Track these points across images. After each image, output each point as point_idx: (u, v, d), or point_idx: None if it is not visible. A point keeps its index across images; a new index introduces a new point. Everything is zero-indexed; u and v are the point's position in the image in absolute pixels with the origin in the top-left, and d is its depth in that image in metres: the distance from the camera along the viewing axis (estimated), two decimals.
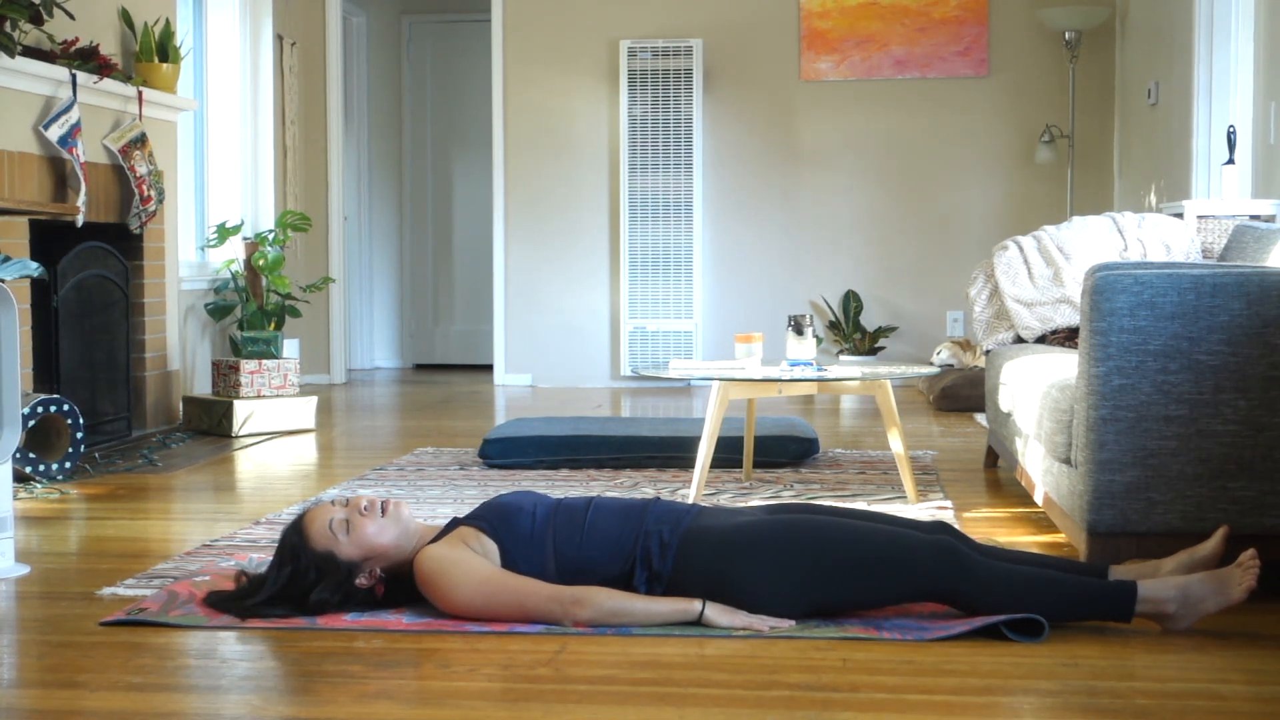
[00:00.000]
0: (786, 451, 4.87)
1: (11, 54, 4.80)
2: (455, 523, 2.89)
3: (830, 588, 2.72)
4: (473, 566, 2.76)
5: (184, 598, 2.96)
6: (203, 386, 6.65)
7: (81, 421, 4.76)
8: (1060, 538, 3.61)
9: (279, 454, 5.41)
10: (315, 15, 8.24)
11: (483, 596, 2.73)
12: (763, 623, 2.69)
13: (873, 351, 7.80)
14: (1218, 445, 2.91)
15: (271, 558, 2.90)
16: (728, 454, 4.77)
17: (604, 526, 2.83)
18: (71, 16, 5.31)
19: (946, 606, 2.78)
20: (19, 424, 3.35)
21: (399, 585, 2.88)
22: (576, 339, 8.17)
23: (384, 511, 2.84)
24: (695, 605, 2.71)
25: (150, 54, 5.96)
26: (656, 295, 7.97)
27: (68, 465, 4.72)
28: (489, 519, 2.86)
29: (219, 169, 7.30)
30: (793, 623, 2.70)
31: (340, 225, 8.36)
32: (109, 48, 5.74)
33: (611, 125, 8.08)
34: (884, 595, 2.73)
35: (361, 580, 2.83)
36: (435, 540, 2.86)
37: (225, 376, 6.05)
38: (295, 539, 2.83)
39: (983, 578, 2.67)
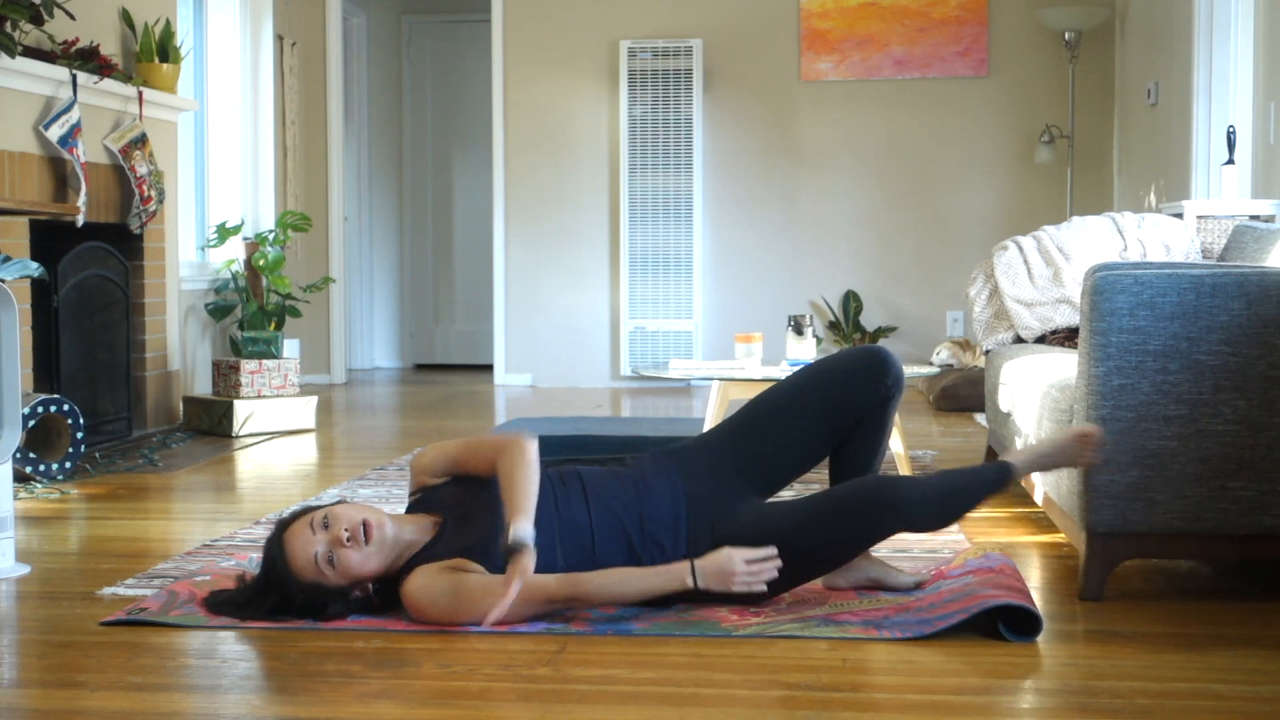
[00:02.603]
0: None
1: (12, 54, 4.80)
2: None
3: (809, 574, 2.87)
4: (463, 589, 2.72)
5: (184, 598, 2.96)
6: (203, 386, 6.65)
7: (82, 421, 4.76)
8: (1060, 537, 3.62)
9: (279, 454, 5.41)
10: (315, 15, 8.24)
11: (480, 612, 2.71)
12: (755, 578, 2.70)
13: None
14: (1217, 445, 2.91)
15: (259, 572, 2.86)
16: None
17: (611, 550, 2.83)
18: (72, 17, 5.31)
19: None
20: (19, 424, 3.35)
21: (393, 591, 2.85)
22: (576, 339, 8.17)
23: (367, 538, 2.75)
24: (686, 577, 2.72)
25: (150, 54, 5.96)
26: (656, 295, 7.97)
27: (68, 465, 4.72)
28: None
29: (219, 169, 7.30)
30: (764, 589, 2.73)
31: (340, 225, 8.37)
32: (109, 48, 5.74)
33: (611, 125, 8.08)
34: (852, 555, 2.87)
35: (356, 594, 2.82)
36: (428, 550, 2.83)
37: (225, 376, 6.05)
38: (281, 567, 2.76)
39: (911, 502, 2.78)
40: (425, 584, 2.73)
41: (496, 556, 2.73)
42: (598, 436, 4.95)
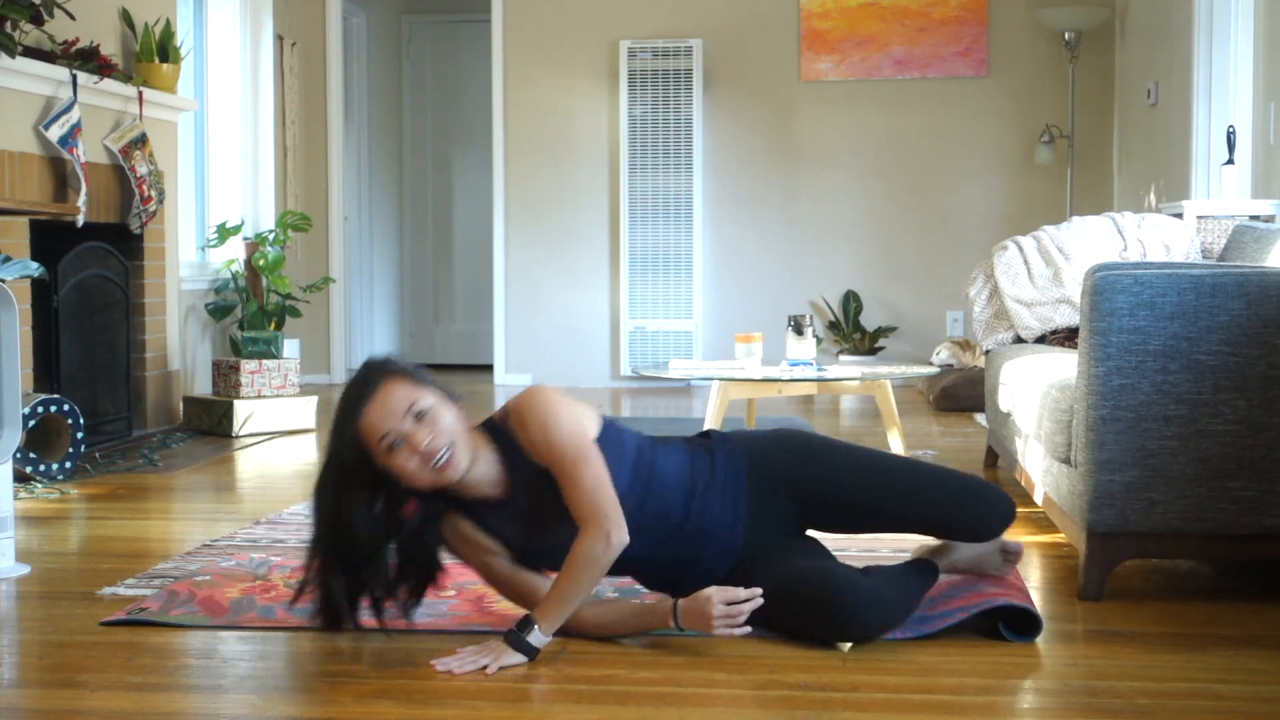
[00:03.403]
0: None
1: (12, 54, 4.80)
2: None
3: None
4: (492, 571, 2.71)
5: (184, 597, 2.96)
6: (203, 386, 6.65)
7: (82, 421, 4.76)
8: (1060, 537, 3.62)
9: (279, 454, 5.41)
10: (315, 15, 8.24)
11: (500, 590, 2.73)
12: (733, 621, 2.58)
13: (873, 351, 7.80)
14: (1217, 445, 2.91)
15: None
16: None
17: (661, 564, 2.79)
18: (72, 17, 5.31)
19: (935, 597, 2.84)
20: (19, 424, 3.35)
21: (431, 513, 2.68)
22: (576, 339, 8.17)
23: (438, 466, 2.53)
24: (669, 618, 2.61)
25: (151, 54, 5.96)
26: (656, 295, 7.97)
27: (68, 465, 4.72)
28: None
29: (219, 169, 7.30)
30: (748, 630, 2.60)
31: (340, 225, 8.37)
32: (109, 48, 5.74)
33: (611, 125, 8.08)
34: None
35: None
36: (480, 511, 2.69)
37: (225, 376, 6.05)
38: (357, 406, 2.54)
39: (870, 613, 2.62)
40: (468, 545, 2.68)
41: (528, 560, 2.71)
42: None
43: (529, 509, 2.67)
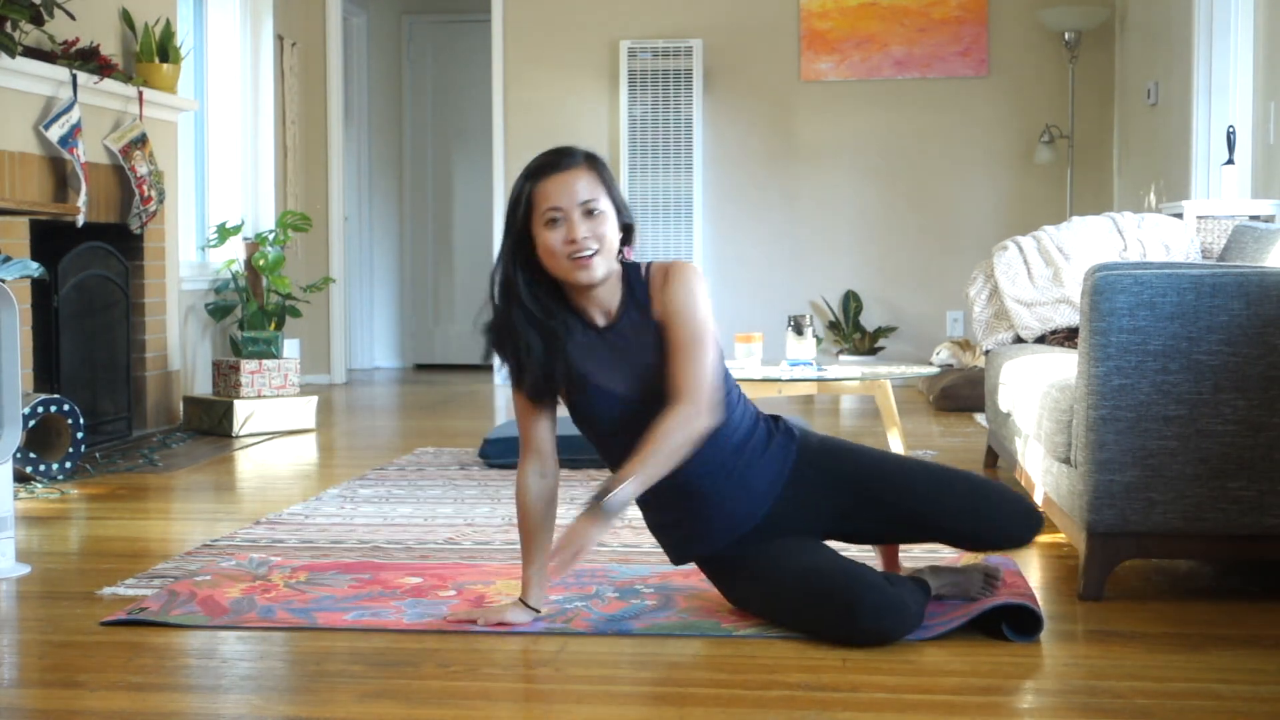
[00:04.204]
0: None
1: (12, 54, 4.80)
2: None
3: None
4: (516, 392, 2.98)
5: (184, 597, 2.96)
6: (203, 386, 6.65)
7: (82, 421, 4.76)
8: (1060, 537, 3.62)
9: (279, 454, 5.41)
10: (315, 15, 8.24)
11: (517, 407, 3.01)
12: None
13: (873, 351, 7.80)
14: (1217, 445, 2.91)
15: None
16: None
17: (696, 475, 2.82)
18: (72, 17, 5.31)
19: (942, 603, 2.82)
20: (19, 424, 3.35)
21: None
22: None
23: (582, 257, 2.69)
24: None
25: (151, 54, 5.96)
26: None
27: (68, 465, 4.72)
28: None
29: (219, 169, 7.30)
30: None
31: (340, 225, 8.37)
32: (109, 48, 5.74)
33: (611, 125, 8.08)
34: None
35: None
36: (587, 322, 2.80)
37: (226, 376, 6.05)
38: (528, 180, 2.78)
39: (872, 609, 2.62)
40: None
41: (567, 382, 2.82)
42: None
43: (613, 350, 2.76)
